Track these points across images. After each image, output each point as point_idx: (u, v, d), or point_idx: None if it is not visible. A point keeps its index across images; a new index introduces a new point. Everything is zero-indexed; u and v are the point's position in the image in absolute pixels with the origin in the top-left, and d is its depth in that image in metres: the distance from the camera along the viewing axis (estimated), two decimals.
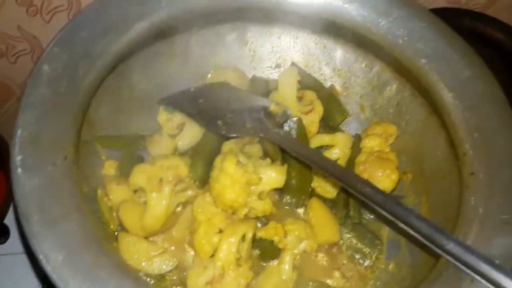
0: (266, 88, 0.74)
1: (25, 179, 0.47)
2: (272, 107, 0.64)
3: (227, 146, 0.64)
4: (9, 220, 0.87)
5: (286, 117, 0.66)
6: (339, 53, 0.73)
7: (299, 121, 0.66)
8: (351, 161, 0.67)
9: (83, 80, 0.55)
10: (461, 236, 0.49)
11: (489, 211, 0.50)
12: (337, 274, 0.64)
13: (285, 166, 0.64)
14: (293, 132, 0.66)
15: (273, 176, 0.63)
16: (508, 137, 0.54)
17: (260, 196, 0.63)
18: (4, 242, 0.86)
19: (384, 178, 0.61)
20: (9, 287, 0.80)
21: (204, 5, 0.64)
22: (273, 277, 0.62)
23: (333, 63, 0.74)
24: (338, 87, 0.76)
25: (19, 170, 0.47)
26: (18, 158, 0.48)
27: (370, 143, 0.66)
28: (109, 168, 0.65)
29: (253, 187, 0.62)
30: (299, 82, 0.70)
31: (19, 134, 0.49)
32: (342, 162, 0.67)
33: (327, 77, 0.76)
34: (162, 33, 0.65)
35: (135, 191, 0.63)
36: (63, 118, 0.52)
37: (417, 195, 0.66)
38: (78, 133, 0.55)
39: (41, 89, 0.52)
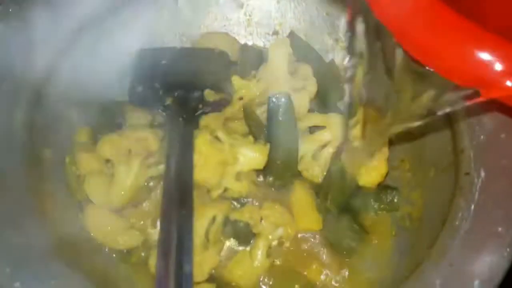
0: (259, 58, 0.67)
1: None
2: (206, 92, 0.58)
3: (204, 121, 0.59)
4: None
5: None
6: (343, 22, 0.65)
7: (287, 97, 0.60)
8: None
9: None
10: (441, 248, 0.43)
11: (478, 220, 0.43)
12: (314, 265, 0.59)
13: (267, 146, 0.59)
14: (279, 110, 0.60)
15: (252, 156, 0.58)
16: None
17: (237, 176, 0.59)
18: None
19: (370, 171, 0.55)
20: None
21: None
22: (244, 262, 0.58)
23: (336, 33, 0.67)
24: (339, 61, 0.68)
25: None
26: None
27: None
28: (82, 134, 0.61)
29: (229, 167, 0.58)
30: (294, 54, 0.63)
31: None
32: (332, 147, 0.60)
33: (329, 48, 0.69)
34: None
35: (106, 161, 0.60)
36: None
37: (412, 188, 0.60)
38: None
39: None
